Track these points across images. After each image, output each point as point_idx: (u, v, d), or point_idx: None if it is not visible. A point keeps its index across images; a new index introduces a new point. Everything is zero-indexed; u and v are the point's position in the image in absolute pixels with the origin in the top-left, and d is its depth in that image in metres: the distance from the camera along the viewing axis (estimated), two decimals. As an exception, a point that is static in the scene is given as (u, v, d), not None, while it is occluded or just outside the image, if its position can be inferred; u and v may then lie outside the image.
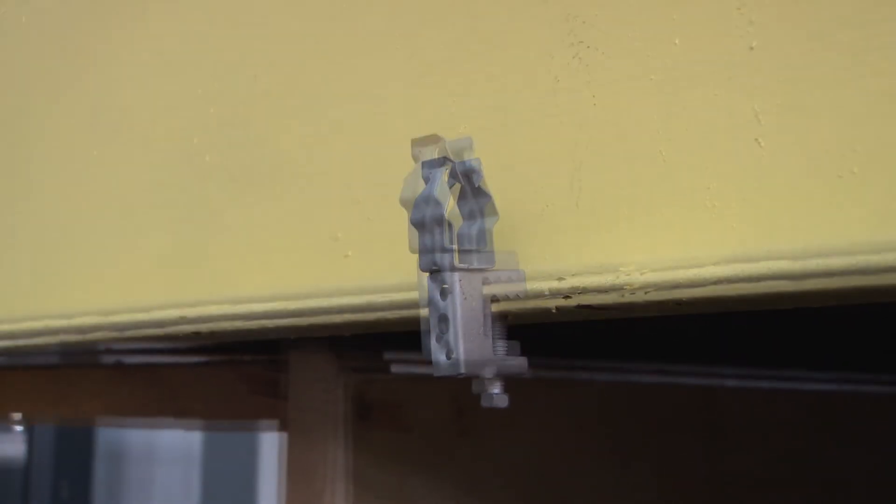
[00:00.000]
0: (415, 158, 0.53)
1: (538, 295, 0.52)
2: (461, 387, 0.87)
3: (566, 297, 0.51)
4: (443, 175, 0.52)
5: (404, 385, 0.84)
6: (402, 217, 0.58)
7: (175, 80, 0.73)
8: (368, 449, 0.81)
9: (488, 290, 0.52)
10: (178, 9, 0.74)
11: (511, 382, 0.53)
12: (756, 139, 0.46)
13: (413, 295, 0.58)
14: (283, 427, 0.85)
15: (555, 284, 0.52)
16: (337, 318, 0.61)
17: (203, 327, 0.67)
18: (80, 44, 0.80)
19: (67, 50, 0.81)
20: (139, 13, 0.76)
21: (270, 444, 3.31)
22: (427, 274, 0.52)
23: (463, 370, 0.51)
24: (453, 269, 0.52)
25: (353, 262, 0.61)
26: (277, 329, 0.65)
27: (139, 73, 0.76)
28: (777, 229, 0.45)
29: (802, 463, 1.11)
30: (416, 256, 0.53)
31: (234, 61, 0.70)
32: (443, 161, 0.52)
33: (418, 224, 0.52)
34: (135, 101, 0.76)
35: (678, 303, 0.47)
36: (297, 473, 0.82)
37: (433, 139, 0.52)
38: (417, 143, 0.53)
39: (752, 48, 0.47)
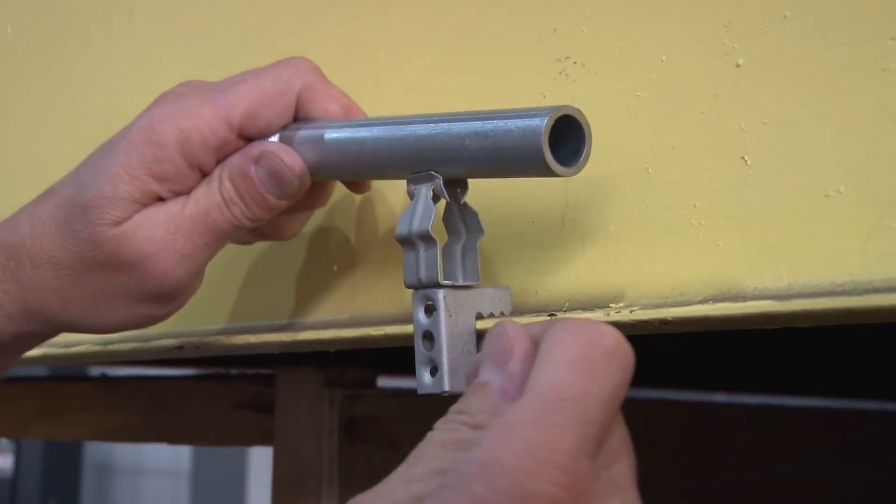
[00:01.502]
0: (410, 195, 0.52)
1: (523, 311, 0.52)
2: (449, 402, 0.86)
3: (551, 314, 0.51)
4: (427, 191, 0.52)
5: (391, 400, 0.83)
6: (390, 230, 0.58)
7: (161, 90, 0.73)
8: (355, 464, 0.80)
9: (473, 306, 0.52)
10: (163, 19, 0.73)
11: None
12: (742, 157, 0.46)
13: (398, 311, 0.57)
14: (269, 442, 0.85)
15: (539, 301, 0.52)
16: (323, 335, 0.61)
17: (187, 341, 0.67)
18: (66, 54, 0.80)
19: (53, 61, 0.81)
20: (124, 22, 0.76)
21: (259, 459, 3.31)
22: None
23: (447, 388, 0.51)
24: (438, 285, 0.51)
25: (340, 276, 0.61)
26: (262, 345, 0.64)
27: (125, 84, 0.76)
28: (763, 248, 0.45)
29: (794, 481, 1.10)
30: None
31: (219, 72, 0.69)
32: (428, 177, 0.52)
33: (403, 239, 0.52)
34: (121, 111, 0.75)
35: (664, 322, 0.47)
36: (284, 489, 0.81)
37: (427, 177, 0.52)
38: (412, 180, 0.52)
39: (738, 65, 0.47)
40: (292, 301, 0.63)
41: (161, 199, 0.55)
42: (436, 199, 0.52)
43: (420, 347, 0.51)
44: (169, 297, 0.56)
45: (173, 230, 0.55)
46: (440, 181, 0.52)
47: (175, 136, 0.54)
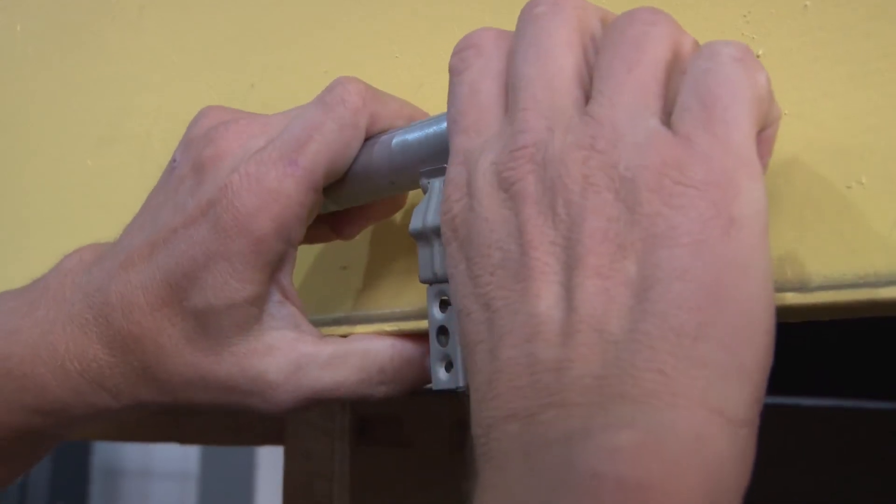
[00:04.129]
0: (423, 189, 0.52)
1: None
2: (460, 401, 0.86)
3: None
4: (440, 184, 0.51)
5: (403, 400, 0.83)
6: (402, 225, 0.58)
7: (171, 89, 0.73)
8: (367, 464, 0.80)
9: (489, 301, 0.51)
10: (174, 16, 0.73)
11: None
12: (763, 149, 0.45)
13: (411, 307, 0.57)
14: (279, 442, 0.84)
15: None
16: (336, 331, 0.60)
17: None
18: (75, 52, 0.80)
19: (63, 59, 0.80)
20: (134, 20, 0.76)
21: (268, 461, 3.31)
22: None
23: (462, 383, 0.50)
24: (453, 280, 0.51)
25: (351, 274, 0.61)
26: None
27: (135, 84, 0.75)
28: (783, 241, 0.44)
29: (802, 482, 1.10)
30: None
31: (231, 70, 0.69)
32: (441, 170, 0.51)
33: (417, 234, 0.51)
34: (131, 111, 0.75)
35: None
36: (295, 489, 0.81)
37: (440, 171, 0.51)
38: (425, 174, 0.52)
39: (758, 56, 0.46)
40: (302, 299, 0.63)
41: None
42: None
43: (435, 343, 0.51)
44: None
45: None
46: None
47: (272, 227, 0.52)
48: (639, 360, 0.37)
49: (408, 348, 0.54)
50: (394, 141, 0.53)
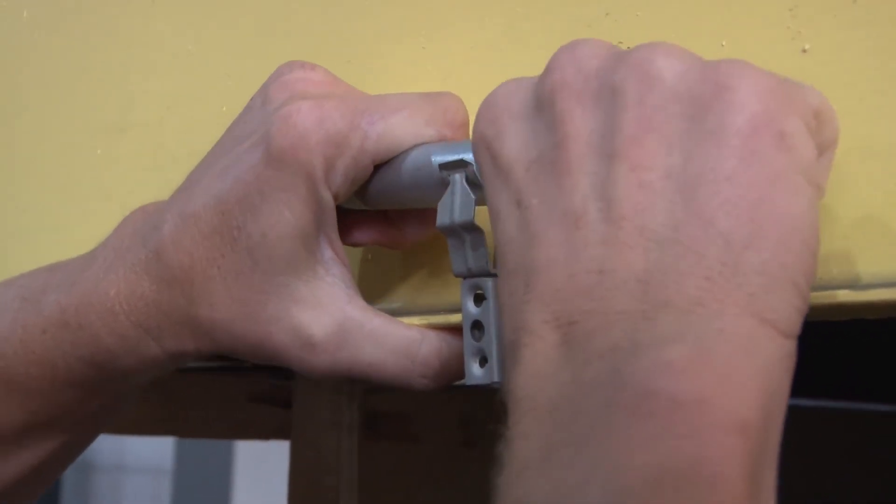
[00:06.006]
0: (444, 182, 0.51)
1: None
2: (468, 397, 0.86)
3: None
4: (462, 178, 0.50)
5: (412, 395, 0.82)
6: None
7: (185, 79, 0.72)
8: (375, 460, 0.79)
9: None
10: (190, 2, 0.72)
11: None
12: (810, 144, 0.45)
13: (426, 300, 0.56)
14: (285, 436, 0.84)
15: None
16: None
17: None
18: (84, 40, 0.79)
19: (71, 47, 0.80)
20: (148, 6, 0.75)
21: (245, 456, 3.30)
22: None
23: (497, 378, 0.49)
24: (488, 274, 0.50)
25: (375, 266, 0.60)
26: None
27: (147, 73, 0.75)
28: (831, 237, 0.44)
29: (801, 482, 1.10)
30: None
31: (250, 59, 0.68)
32: (460, 163, 0.50)
33: (446, 230, 0.51)
34: (142, 101, 0.74)
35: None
36: (302, 485, 0.80)
37: (459, 163, 0.50)
38: (445, 167, 0.51)
39: (804, 51, 0.46)
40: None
41: None
42: (471, 185, 0.50)
43: (469, 338, 0.50)
44: None
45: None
46: (474, 167, 0.50)
47: (323, 167, 0.50)
48: (684, 265, 0.36)
49: (456, 343, 0.53)
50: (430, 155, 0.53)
